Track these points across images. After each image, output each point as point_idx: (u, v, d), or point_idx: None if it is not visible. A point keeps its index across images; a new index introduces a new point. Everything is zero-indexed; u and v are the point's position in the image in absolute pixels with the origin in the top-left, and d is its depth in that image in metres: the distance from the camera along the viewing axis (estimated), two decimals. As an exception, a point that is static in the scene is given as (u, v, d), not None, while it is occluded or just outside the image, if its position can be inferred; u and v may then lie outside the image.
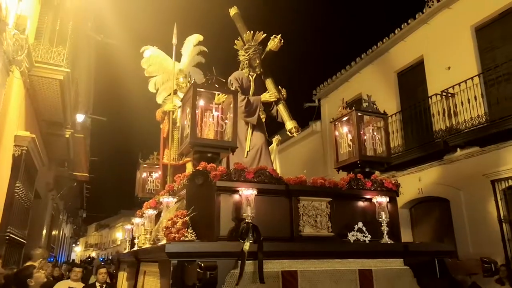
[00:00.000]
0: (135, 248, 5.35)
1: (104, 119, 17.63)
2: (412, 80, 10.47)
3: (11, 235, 7.06)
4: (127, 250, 6.14)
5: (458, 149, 8.65)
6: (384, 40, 11.04)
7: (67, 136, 10.10)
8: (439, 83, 9.21)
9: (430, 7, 9.68)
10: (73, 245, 41.61)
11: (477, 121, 8.16)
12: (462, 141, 8.43)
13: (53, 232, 16.72)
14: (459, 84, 8.51)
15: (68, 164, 13.07)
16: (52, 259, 16.13)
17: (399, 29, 10.55)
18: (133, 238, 5.76)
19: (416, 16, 10.04)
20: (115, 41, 12.98)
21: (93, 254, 44.50)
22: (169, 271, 3.24)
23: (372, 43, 11.51)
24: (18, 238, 7.82)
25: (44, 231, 13.09)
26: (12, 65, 5.62)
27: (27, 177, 8.03)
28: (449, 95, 8.81)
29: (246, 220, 3.61)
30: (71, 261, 23.52)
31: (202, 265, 3.06)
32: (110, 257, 22.72)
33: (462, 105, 8.49)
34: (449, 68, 9.14)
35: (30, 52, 6.39)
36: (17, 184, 7.05)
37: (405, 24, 10.35)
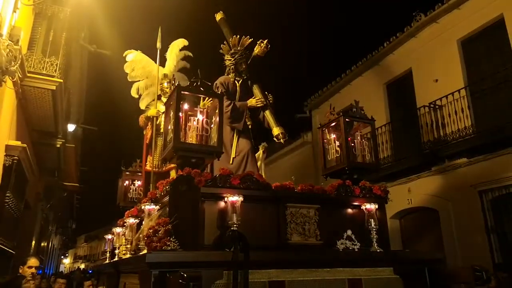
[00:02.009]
0: (116, 258, 5.20)
1: (96, 128, 17.55)
2: (401, 92, 10.66)
3: (0, 245, 7.00)
4: (107, 261, 5.92)
5: (446, 160, 8.80)
6: (373, 53, 11.26)
7: (58, 146, 10.06)
8: (427, 95, 9.40)
9: (417, 21, 9.92)
10: (62, 256, 40.91)
11: (464, 133, 8.32)
12: (450, 152, 8.58)
13: (42, 243, 16.50)
14: (446, 96, 8.70)
15: (59, 174, 12.97)
16: (40, 271, 15.86)
17: (388, 42, 10.77)
18: (114, 248, 5.58)
19: (405, 30, 10.27)
20: (107, 51, 13.01)
21: (82, 266, 43.78)
22: (149, 283, 3.09)
23: (362, 55, 11.74)
24: (7, 249, 7.75)
25: (33, 242, 12.92)
26: (5, 75, 5.63)
27: (18, 187, 7.98)
28: (437, 107, 8.99)
29: (232, 228, 3.49)
30: (59, 272, 23.14)
31: (185, 275, 2.93)
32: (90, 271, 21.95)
33: (450, 117, 8.67)
34: (436, 80, 9.34)
35: (23, 62, 6.42)
36: (7, 194, 7.01)
37: (394, 37, 10.58)
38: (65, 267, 46.26)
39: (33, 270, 4.94)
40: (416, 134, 9.45)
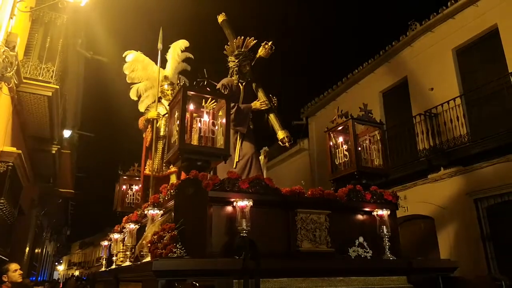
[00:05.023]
0: (113, 266, 5.04)
1: (92, 135, 17.50)
2: (396, 100, 10.72)
3: (-7, 252, 6.93)
4: (103, 269, 5.75)
5: (441, 168, 8.83)
6: (369, 61, 11.33)
7: (54, 152, 10.01)
8: (422, 103, 9.45)
9: (413, 30, 10.00)
10: (56, 263, 40.55)
11: (459, 141, 8.36)
12: (446, 160, 8.61)
13: (36, 250, 16.35)
14: (441, 104, 8.75)
15: (54, 180, 12.88)
16: (33, 278, 15.71)
17: (383, 51, 10.85)
18: (111, 255, 5.42)
19: (400, 39, 10.35)
20: (104, 57, 13.02)
21: (77, 273, 43.38)
22: (155, 292, 2.86)
23: (358, 63, 11.82)
24: (0, 256, 7.67)
25: (27, 249, 12.80)
26: (1, 81, 5.63)
27: (12, 194, 7.91)
28: (433, 115, 9.04)
29: (241, 234, 3.30)
30: (53, 280, 22.91)
31: (197, 285, 2.75)
32: (84, 277, 21.21)
33: (445, 125, 8.71)
34: (432, 89, 9.41)
35: (19, 68, 6.41)
36: (1, 201, 6.94)
37: (390, 46, 10.66)
38: (59, 274, 45.86)
39: (19, 272, 5.00)
40: (412, 142, 9.48)
